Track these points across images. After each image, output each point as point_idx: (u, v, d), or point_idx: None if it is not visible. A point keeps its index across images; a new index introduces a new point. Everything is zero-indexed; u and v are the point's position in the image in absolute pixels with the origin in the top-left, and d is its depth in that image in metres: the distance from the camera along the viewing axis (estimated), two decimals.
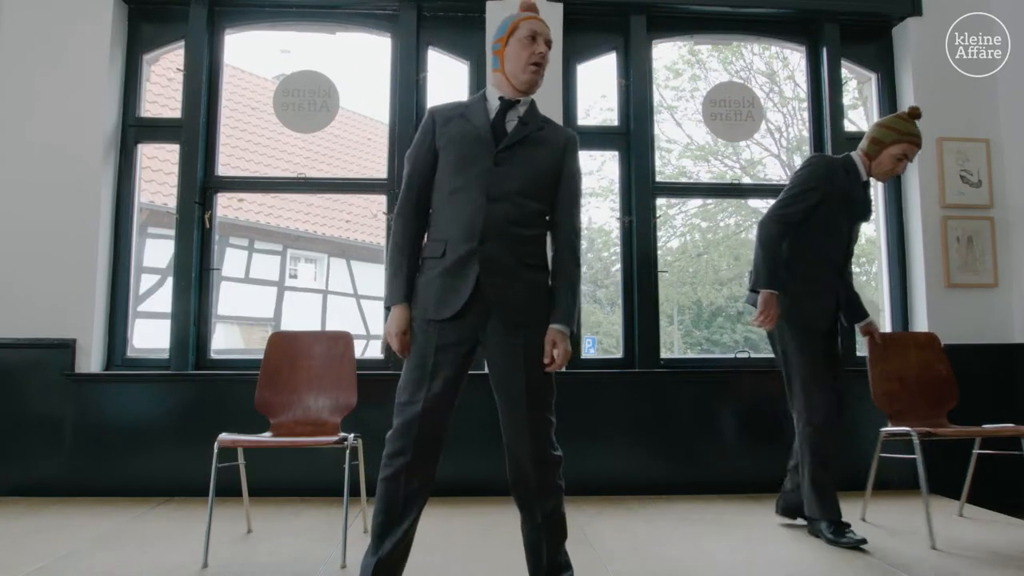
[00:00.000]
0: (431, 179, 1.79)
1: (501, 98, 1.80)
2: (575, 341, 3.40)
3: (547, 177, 1.78)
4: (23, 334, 3.13)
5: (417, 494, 1.71)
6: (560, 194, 1.81)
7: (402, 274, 1.76)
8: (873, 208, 2.69)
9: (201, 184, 3.37)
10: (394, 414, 1.73)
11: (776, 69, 8.95)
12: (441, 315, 1.70)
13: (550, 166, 1.79)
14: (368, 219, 9.95)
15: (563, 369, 1.76)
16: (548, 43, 1.79)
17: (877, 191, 3.71)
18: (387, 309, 1.80)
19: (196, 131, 3.36)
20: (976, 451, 2.76)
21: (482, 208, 1.69)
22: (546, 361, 1.72)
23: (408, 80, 3.46)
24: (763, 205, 9.05)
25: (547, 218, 1.82)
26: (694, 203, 9.06)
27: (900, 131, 2.49)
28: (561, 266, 1.79)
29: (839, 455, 2.50)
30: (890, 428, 2.60)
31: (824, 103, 3.60)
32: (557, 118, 3.38)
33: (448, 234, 1.72)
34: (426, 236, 1.81)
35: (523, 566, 1.83)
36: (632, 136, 3.53)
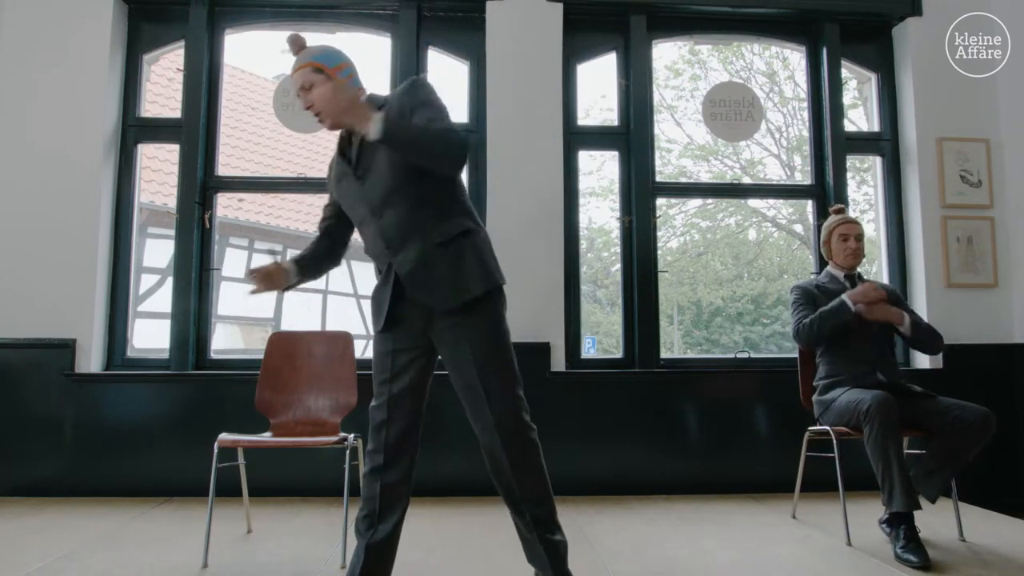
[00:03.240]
0: (337, 213, 1.93)
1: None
2: (574, 340, 3.40)
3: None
4: (23, 334, 3.13)
5: (395, 492, 1.74)
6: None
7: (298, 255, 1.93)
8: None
9: (201, 184, 3.37)
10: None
11: (776, 69, 8.97)
12: (376, 328, 1.79)
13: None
14: None
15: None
16: (305, 87, 1.75)
17: (877, 191, 3.71)
18: None
19: (196, 131, 3.36)
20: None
21: (376, 225, 1.74)
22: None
23: None
24: (763, 205, 9.11)
25: (430, 183, 1.73)
26: (694, 203, 9.07)
27: (827, 227, 2.79)
28: None
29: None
30: (815, 428, 2.63)
31: (824, 103, 3.60)
32: (557, 118, 3.39)
33: (371, 256, 1.82)
34: None
35: (523, 566, 1.83)
36: (632, 136, 3.53)
